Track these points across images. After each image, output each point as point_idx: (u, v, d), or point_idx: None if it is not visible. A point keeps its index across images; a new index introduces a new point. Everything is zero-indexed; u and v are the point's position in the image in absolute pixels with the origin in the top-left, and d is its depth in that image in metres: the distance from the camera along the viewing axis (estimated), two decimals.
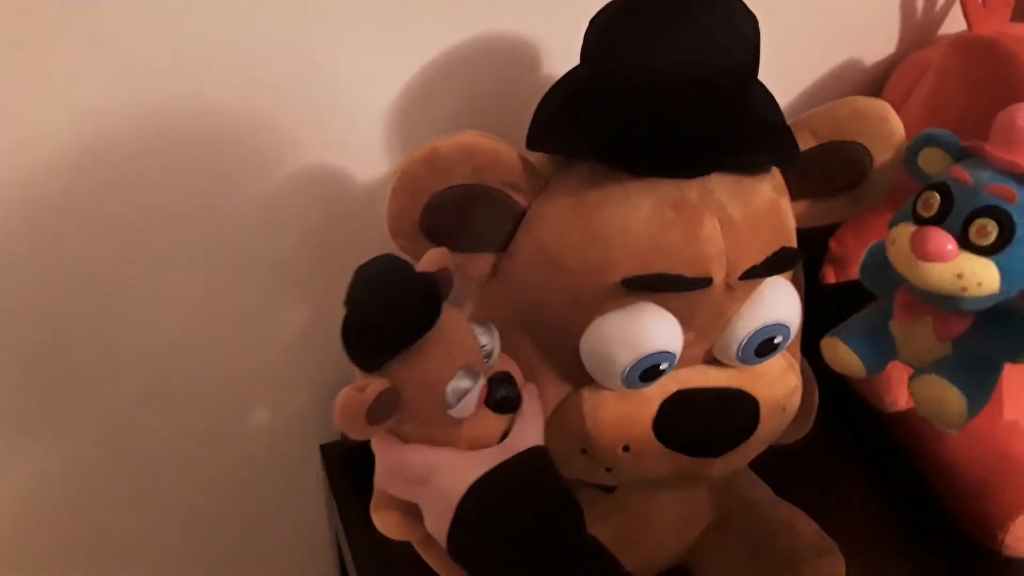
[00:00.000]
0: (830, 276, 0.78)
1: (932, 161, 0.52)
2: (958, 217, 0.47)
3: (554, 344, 0.51)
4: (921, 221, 0.49)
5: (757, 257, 0.48)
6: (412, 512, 0.50)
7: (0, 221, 0.54)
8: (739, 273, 0.48)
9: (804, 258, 0.51)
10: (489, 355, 0.47)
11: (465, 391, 0.44)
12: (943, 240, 0.47)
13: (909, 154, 0.53)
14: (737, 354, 0.50)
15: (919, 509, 0.72)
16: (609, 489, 0.61)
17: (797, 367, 0.55)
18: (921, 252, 0.47)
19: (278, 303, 0.66)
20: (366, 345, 0.43)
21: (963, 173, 0.48)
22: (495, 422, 0.47)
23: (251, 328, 0.66)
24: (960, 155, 0.51)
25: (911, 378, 0.54)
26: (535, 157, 0.50)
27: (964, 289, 0.47)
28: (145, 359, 0.64)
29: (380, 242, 0.49)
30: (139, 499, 0.70)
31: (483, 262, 0.52)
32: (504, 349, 0.53)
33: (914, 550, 0.70)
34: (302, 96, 0.58)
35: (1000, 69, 0.64)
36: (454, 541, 0.45)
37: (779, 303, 0.50)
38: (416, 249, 0.50)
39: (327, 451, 0.73)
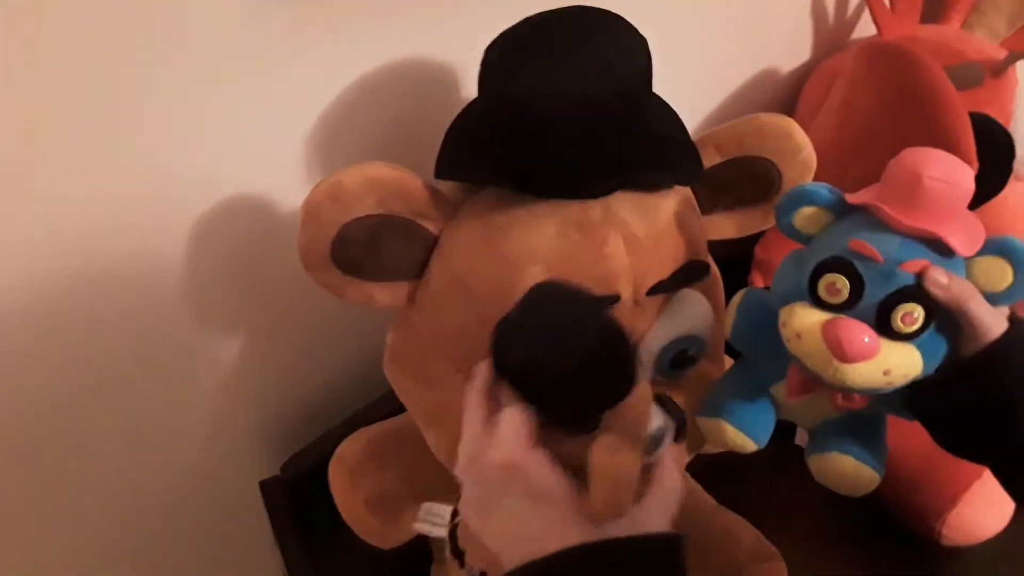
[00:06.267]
0: (758, 281, 0.79)
1: (810, 221, 0.46)
2: (872, 301, 0.41)
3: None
4: (826, 307, 0.42)
5: (663, 272, 0.49)
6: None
7: None
8: (646, 289, 0.48)
9: (710, 271, 0.52)
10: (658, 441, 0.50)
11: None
12: (860, 334, 0.40)
13: (781, 214, 0.47)
14: (653, 368, 0.51)
15: (859, 504, 0.73)
16: None
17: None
18: (840, 354, 0.40)
19: (214, 338, 0.65)
20: (567, 404, 0.45)
21: (870, 248, 0.41)
22: None
23: (188, 362, 0.65)
24: (842, 210, 0.45)
25: (809, 452, 0.50)
26: (445, 186, 0.51)
27: (891, 384, 0.41)
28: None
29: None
30: (86, 532, 0.68)
31: (399, 291, 0.52)
32: (426, 377, 0.53)
33: (855, 545, 0.71)
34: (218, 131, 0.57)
35: (906, 74, 0.66)
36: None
37: (690, 316, 0.51)
38: (330, 280, 0.50)
39: (267, 487, 0.72)
